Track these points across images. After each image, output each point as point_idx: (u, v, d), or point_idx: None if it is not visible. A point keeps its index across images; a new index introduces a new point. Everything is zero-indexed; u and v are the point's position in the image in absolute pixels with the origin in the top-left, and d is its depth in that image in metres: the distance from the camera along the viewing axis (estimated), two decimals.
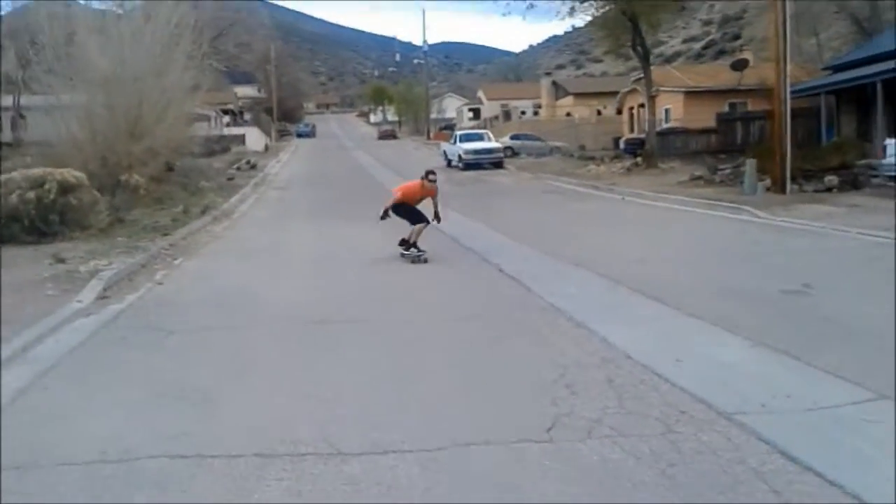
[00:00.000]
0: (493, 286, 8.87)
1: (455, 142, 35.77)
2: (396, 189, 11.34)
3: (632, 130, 40.01)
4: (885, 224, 12.48)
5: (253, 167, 34.62)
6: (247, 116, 68.79)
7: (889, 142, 17.60)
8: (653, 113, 30.05)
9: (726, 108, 32.62)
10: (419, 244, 10.86)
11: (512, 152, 38.65)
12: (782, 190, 18.13)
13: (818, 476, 3.69)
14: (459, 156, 33.74)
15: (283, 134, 73.22)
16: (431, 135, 65.18)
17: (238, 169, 32.73)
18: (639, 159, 29.30)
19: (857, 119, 25.41)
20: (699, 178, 22.97)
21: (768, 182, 18.58)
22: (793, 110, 19.07)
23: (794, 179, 18.61)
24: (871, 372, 5.21)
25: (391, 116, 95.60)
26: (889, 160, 16.92)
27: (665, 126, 33.96)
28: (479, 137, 36.21)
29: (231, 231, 15.52)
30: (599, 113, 50.11)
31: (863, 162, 20.27)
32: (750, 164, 19.00)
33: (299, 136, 73.94)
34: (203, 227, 15.39)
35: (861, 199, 16.80)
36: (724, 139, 30.24)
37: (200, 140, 29.12)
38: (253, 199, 23.07)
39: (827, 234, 12.26)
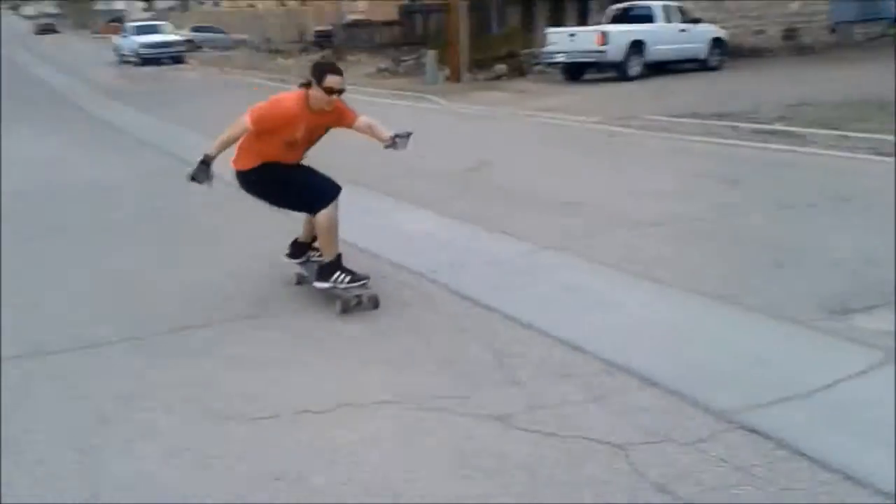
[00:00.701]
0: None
1: (128, 35, 32.93)
2: (246, 120, 4.45)
3: (319, 22, 39.74)
4: (546, 106, 14.11)
5: None
6: None
7: (548, 31, 19.54)
8: (338, 5, 30.11)
9: (408, 1, 33.68)
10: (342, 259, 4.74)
11: (194, 46, 36.56)
12: (459, 79, 19.49)
13: (500, 313, 4.39)
14: (135, 51, 31.23)
15: None
16: (99, 28, 59.04)
17: None
18: (328, 52, 29.44)
19: (521, 11, 27.72)
20: (385, 69, 23.78)
21: (447, 72, 19.84)
22: (467, 3, 20.30)
23: (469, 69, 20.05)
24: (537, 229, 6.14)
25: (50, 9, 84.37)
26: (548, 48, 18.82)
27: (350, 18, 34.23)
28: (156, 30, 33.71)
29: None
30: (284, 4, 48.84)
31: (527, 51, 22.35)
32: (430, 56, 20.08)
33: None
34: None
35: (527, 84, 18.66)
36: (407, 32, 31.36)
37: None
38: None
39: (498, 117, 13.58)
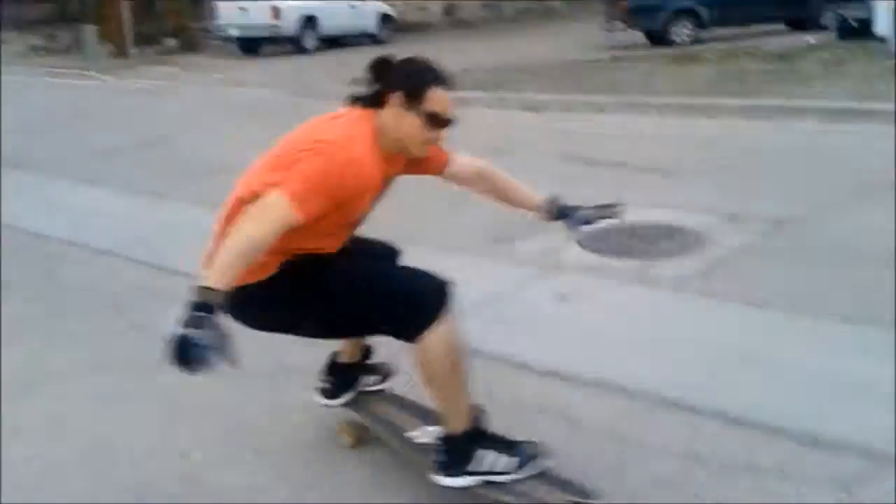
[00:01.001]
0: None
1: None
2: (285, 206, 1.93)
3: None
4: (222, 80, 13.85)
5: None
6: None
7: (217, 4, 18.91)
8: None
9: None
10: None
11: None
12: (125, 54, 18.38)
13: (187, 275, 4.36)
14: None
15: None
16: None
17: None
18: None
19: None
20: (41, 48, 21.60)
21: (112, 48, 18.55)
22: None
23: (136, 44, 18.94)
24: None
25: None
26: (220, 22, 18.37)
27: None
28: None
29: None
30: None
31: (198, 25, 21.57)
32: (89, 31, 18.57)
33: None
34: None
35: (200, 59, 18.12)
36: (60, 7, 28.46)
37: None
38: None
39: (172, 91, 13.08)
